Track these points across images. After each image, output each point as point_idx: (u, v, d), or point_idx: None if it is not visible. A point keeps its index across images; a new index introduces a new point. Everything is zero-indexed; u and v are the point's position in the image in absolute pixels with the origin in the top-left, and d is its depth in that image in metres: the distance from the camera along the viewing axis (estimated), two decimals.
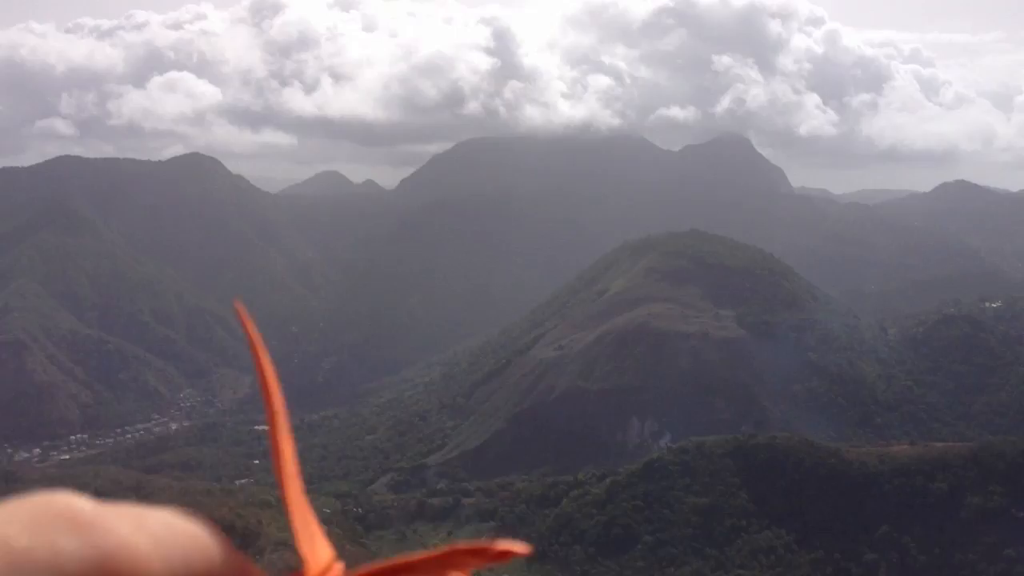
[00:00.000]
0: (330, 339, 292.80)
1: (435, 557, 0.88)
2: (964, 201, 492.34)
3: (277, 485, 0.92)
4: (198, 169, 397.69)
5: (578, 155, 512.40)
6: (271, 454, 0.89)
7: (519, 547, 0.90)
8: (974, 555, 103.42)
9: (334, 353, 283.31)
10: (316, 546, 0.92)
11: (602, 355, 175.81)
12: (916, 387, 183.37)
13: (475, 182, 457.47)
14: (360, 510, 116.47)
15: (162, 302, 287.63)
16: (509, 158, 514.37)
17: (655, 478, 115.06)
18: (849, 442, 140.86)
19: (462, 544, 0.93)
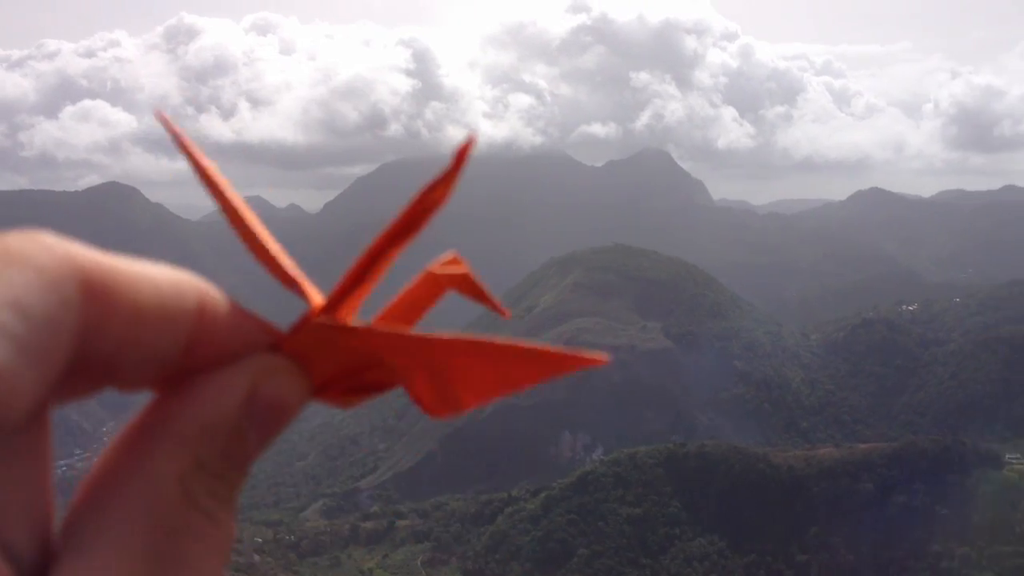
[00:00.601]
0: None
1: (406, 213, 0.89)
2: (878, 208, 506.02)
3: (244, 241, 0.90)
4: (116, 198, 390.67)
5: (503, 173, 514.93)
6: (227, 218, 0.89)
7: (467, 143, 0.86)
8: (901, 552, 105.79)
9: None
10: (307, 285, 0.89)
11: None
12: (839, 390, 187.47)
13: (400, 204, 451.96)
14: (292, 537, 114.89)
15: None
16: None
17: (589, 491, 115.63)
18: (776, 447, 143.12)
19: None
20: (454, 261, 0.93)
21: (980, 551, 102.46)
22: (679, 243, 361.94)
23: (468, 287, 0.94)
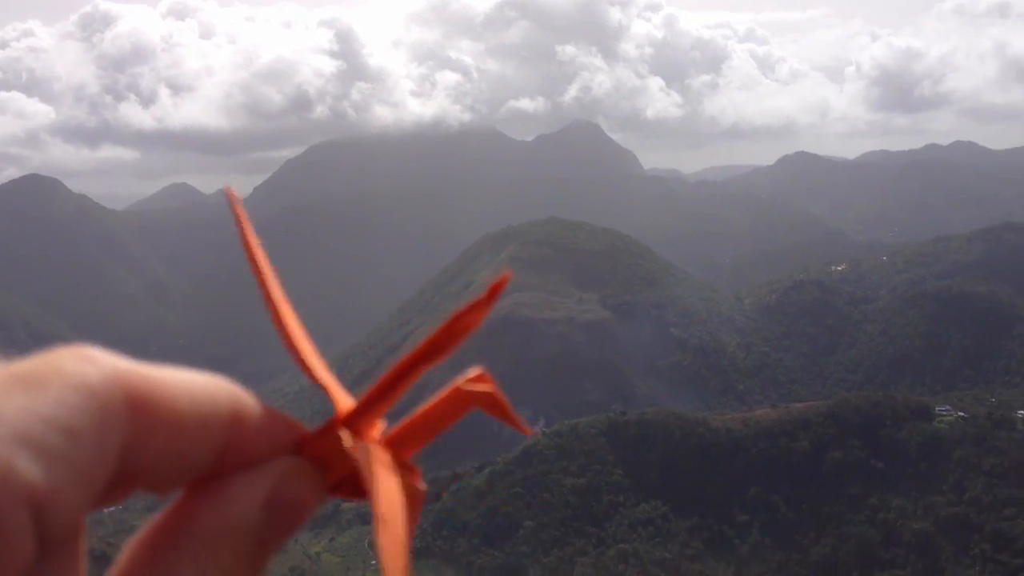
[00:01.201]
0: (192, 356, 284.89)
1: (438, 334, 0.91)
2: (805, 171, 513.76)
3: (284, 343, 0.91)
4: (37, 191, 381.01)
5: (433, 151, 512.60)
6: (271, 316, 0.92)
7: (502, 278, 0.90)
8: (839, 507, 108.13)
9: (197, 370, 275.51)
10: (336, 390, 0.93)
11: (472, 347, 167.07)
12: (773, 352, 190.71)
13: (330, 185, 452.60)
14: None
15: (8, 331, 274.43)
16: (363, 159, 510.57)
17: (533, 463, 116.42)
18: (714, 410, 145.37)
19: (457, 312, 0.95)
20: (481, 378, 0.93)
21: (915, 501, 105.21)
22: (612, 214, 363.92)
23: (494, 406, 0.95)
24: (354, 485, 0.91)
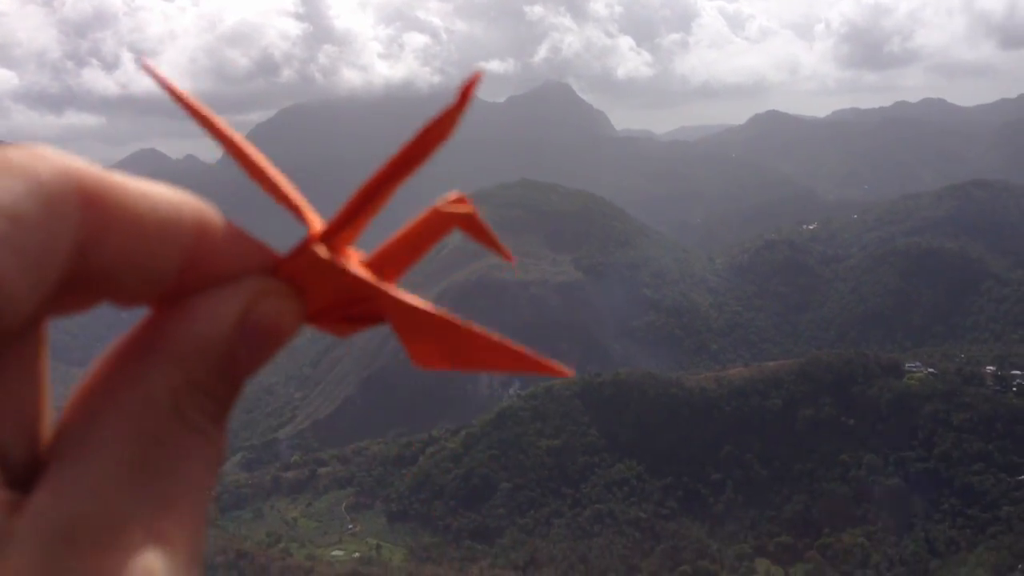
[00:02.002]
0: None
1: (412, 143, 0.85)
2: (776, 130, 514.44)
3: (249, 172, 0.88)
4: None
5: (403, 114, 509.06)
6: (232, 153, 0.89)
7: (472, 79, 0.83)
8: (811, 464, 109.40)
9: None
10: (308, 211, 0.88)
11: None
12: (746, 311, 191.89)
13: (301, 149, 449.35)
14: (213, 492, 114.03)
15: None
16: (333, 123, 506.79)
17: (508, 426, 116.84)
18: (688, 370, 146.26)
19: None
20: (460, 200, 0.90)
21: (885, 458, 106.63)
22: (585, 175, 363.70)
23: (473, 227, 0.90)
24: (333, 312, 0.87)
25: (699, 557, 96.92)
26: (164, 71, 0.85)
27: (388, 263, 0.92)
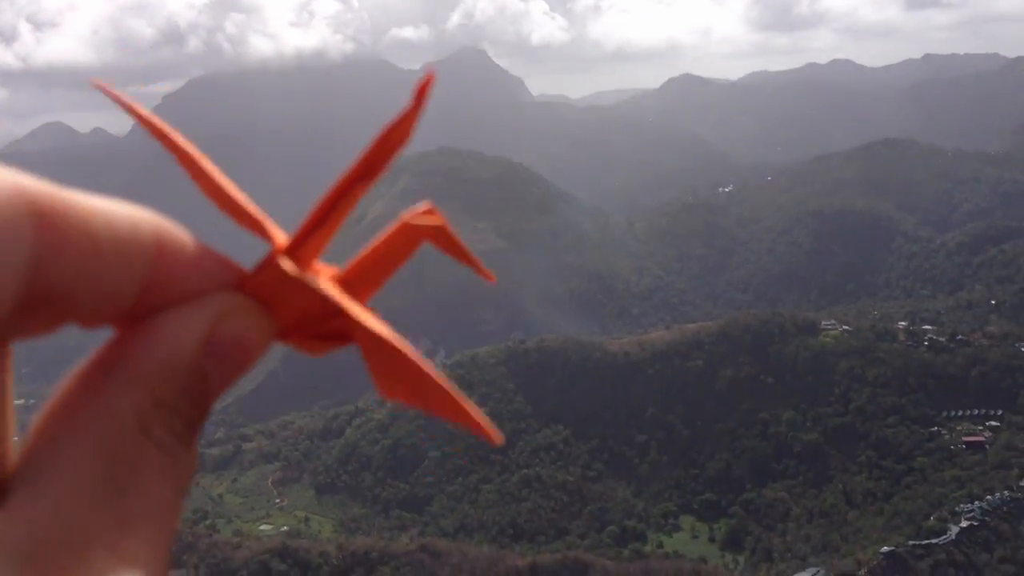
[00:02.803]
0: None
1: (371, 150, 0.87)
2: (690, 94, 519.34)
3: (206, 191, 0.89)
4: None
5: (317, 82, 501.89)
6: (189, 171, 0.88)
7: (427, 79, 0.86)
8: (732, 422, 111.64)
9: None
10: (270, 226, 0.87)
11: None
12: (666, 275, 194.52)
13: (212, 120, 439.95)
14: None
15: None
16: (246, 92, 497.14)
17: None
18: (611, 335, 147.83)
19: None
20: (430, 212, 0.92)
21: (804, 414, 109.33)
22: (503, 142, 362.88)
23: (444, 240, 0.89)
24: (303, 330, 0.86)
25: (626, 517, 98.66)
26: (115, 90, 0.85)
27: (360, 278, 0.89)
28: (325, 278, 0.85)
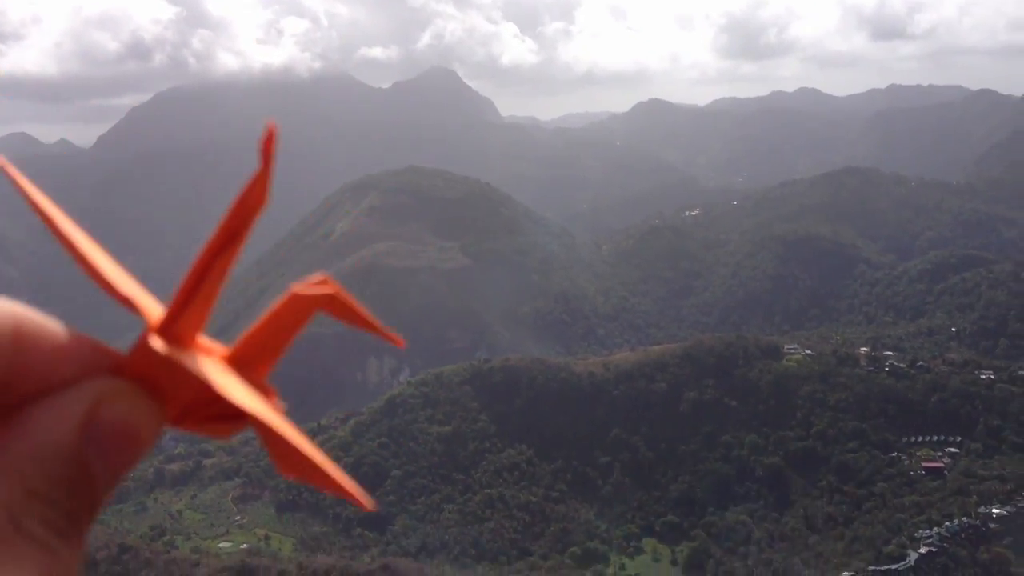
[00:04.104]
0: (41, 309, 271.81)
1: (229, 217, 0.87)
2: (659, 118, 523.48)
3: (80, 266, 0.86)
4: None
5: (286, 98, 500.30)
6: (58, 239, 0.87)
7: (269, 134, 0.90)
8: (695, 444, 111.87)
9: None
10: (146, 303, 0.84)
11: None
12: (631, 296, 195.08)
13: (179, 134, 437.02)
14: None
15: None
16: (212, 107, 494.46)
17: (398, 413, 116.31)
18: (576, 355, 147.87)
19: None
20: (323, 282, 0.91)
21: (766, 437, 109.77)
22: (471, 162, 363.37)
23: (337, 308, 0.92)
24: (199, 411, 0.84)
25: (589, 538, 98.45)
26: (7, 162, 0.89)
27: (252, 354, 0.90)
28: (210, 355, 0.82)
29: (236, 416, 0.86)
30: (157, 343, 0.78)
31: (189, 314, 0.82)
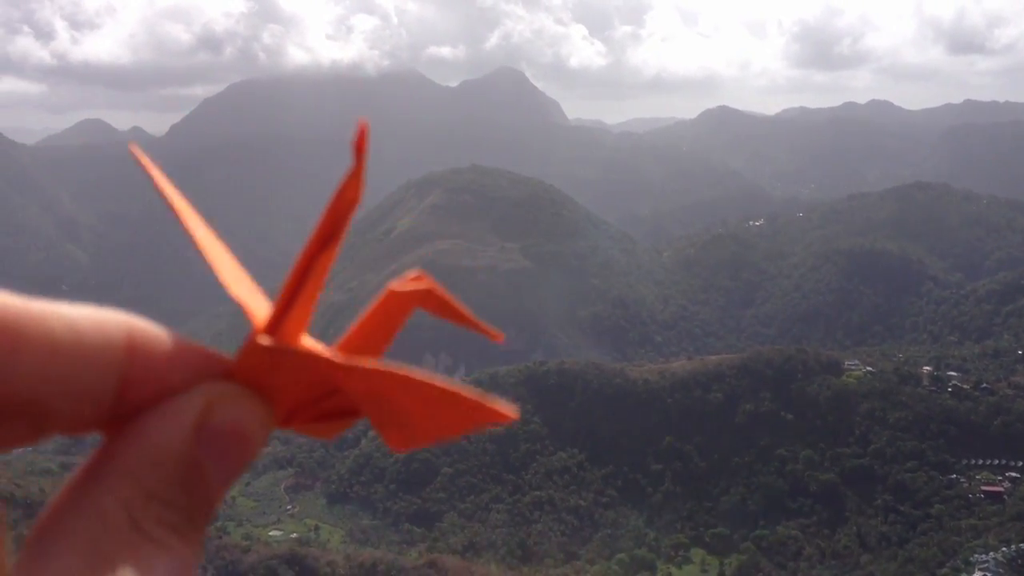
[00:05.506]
0: (106, 295, 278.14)
1: (326, 217, 0.86)
2: (726, 126, 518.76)
3: (199, 251, 0.89)
4: None
5: (355, 93, 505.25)
6: (184, 231, 0.91)
7: (360, 132, 0.86)
8: (749, 457, 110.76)
9: (112, 307, 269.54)
10: (255, 303, 0.87)
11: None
12: (690, 305, 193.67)
13: (250, 126, 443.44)
14: None
15: None
16: (284, 99, 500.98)
17: None
18: (632, 361, 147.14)
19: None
20: (418, 278, 0.90)
21: (822, 453, 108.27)
22: (536, 163, 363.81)
23: (434, 303, 0.91)
24: (305, 412, 0.87)
25: (636, 545, 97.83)
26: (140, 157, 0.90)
27: (353, 352, 0.88)
28: (309, 347, 0.84)
29: (341, 414, 0.88)
30: (264, 339, 0.81)
31: (292, 315, 0.84)
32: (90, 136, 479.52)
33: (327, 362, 0.83)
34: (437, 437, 0.88)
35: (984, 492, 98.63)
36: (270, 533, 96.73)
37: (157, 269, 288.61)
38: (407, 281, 0.90)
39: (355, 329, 0.89)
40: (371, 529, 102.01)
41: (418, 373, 0.83)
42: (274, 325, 0.84)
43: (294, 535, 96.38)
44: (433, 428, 0.86)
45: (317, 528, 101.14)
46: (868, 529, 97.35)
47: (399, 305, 0.90)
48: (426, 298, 0.90)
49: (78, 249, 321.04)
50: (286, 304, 0.85)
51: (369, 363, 0.83)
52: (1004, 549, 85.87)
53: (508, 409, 0.84)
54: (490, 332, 0.94)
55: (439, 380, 0.83)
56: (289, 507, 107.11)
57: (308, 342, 0.85)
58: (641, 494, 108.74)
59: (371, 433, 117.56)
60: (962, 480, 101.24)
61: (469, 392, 0.83)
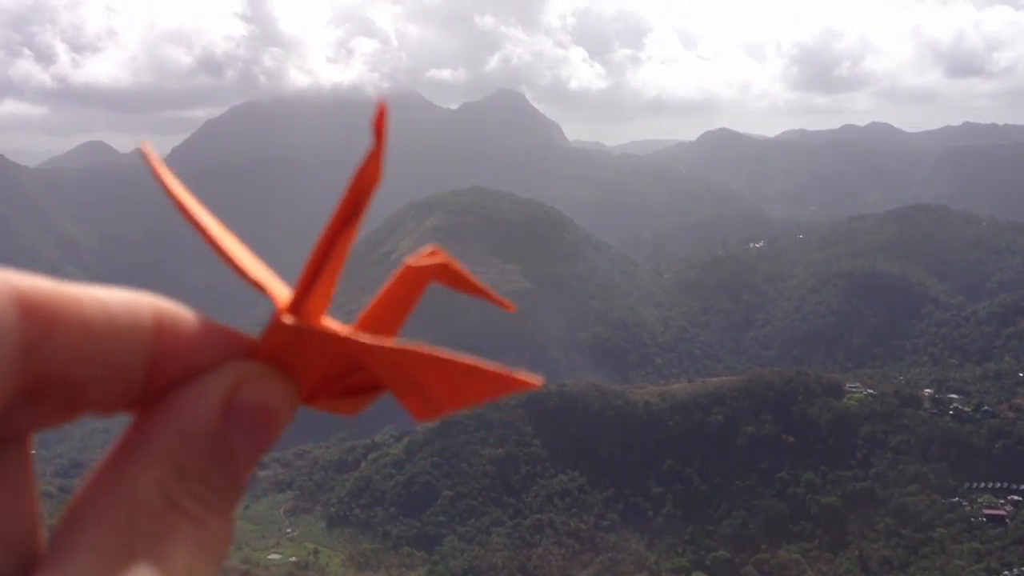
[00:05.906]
0: None
1: (347, 196, 0.88)
2: (726, 148, 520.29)
3: (209, 244, 0.90)
4: None
5: (355, 115, 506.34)
6: (192, 225, 0.92)
7: (380, 112, 0.87)
8: (750, 480, 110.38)
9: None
10: (274, 286, 0.88)
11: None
12: (691, 327, 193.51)
13: (251, 147, 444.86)
14: None
15: None
16: (285, 122, 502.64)
17: (452, 434, 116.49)
18: (633, 383, 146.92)
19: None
20: (433, 253, 0.93)
21: (824, 476, 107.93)
22: (536, 185, 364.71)
23: (450, 277, 0.94)
24: (328, 389, 0.89)
25: (637, 569, 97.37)
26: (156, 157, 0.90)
27: (371, 329, 0.90)
28: (331, 326, 0.85)
29: (364, 390, 0.90)
30: (288, 319, 0.83)
31: (314, 295, 0.85)
32: (92, 158, 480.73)
33: (350, 341, 0.84)
34: (461, 405, 0.88)
35: (986, 515, 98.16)
36: (269, 556, 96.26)
37: (158, 291, 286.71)
38: (423, 256, 0.92)
39: (373, 305, 0.90)
40: (371, 552, 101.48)
41: (439, 350, 0.84)
42: (296, 305, 0.85)
43: (293, 559, 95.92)
44: (457, 398, 0.89)
45: (316, 551, 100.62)
46: (870, 553, 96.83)
47: (416, 279, 0.92)
48: (442, 271, 0.92)
49: (79, 271, 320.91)
50: (308, 284, 0.86)
51: (391, 342, 0.85)
52: (1006, 573, 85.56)
53: (532, 377, 0.84)
54: (503, 303, 0.97)
55: (460, 356, 0.85)
56: (288, 530, 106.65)
57: (329, 322, 0.86)
58: (642, 517, 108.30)
59: (371, 456, 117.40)
60: (964, 503, 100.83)
61: (491, 365, 0.85)
